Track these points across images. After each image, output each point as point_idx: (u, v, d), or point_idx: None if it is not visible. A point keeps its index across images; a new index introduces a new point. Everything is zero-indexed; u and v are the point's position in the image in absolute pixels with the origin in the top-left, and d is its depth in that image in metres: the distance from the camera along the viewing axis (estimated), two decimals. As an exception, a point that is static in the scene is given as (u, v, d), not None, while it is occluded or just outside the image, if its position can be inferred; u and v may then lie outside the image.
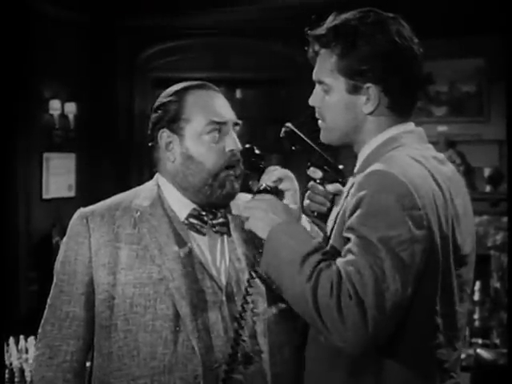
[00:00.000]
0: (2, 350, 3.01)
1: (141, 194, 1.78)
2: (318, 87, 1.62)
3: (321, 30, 1.58)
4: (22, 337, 3.15)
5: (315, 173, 1.78)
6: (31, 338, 3.07)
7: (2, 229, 5.24)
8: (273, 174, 1.67)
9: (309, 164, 1.79)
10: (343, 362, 1.50)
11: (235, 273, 1.75)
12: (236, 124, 1.77)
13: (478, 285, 5.03)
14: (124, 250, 1.69)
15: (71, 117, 6.05)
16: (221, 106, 1.75)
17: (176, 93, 1.76)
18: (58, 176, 6.03)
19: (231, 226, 1.78)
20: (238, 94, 6.96)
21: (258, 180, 1.67)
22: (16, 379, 3.03)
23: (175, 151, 1.74)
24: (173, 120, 1.73)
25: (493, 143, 5.65)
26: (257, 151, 1.72)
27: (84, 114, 6.18)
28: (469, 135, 5.76)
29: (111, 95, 6.41)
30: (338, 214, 1.57)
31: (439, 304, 1.48)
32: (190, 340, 1.64)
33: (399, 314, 1.41)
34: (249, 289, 1.66)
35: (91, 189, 6.04)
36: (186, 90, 1.76)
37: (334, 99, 1.58)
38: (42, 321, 1.75)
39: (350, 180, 1.61)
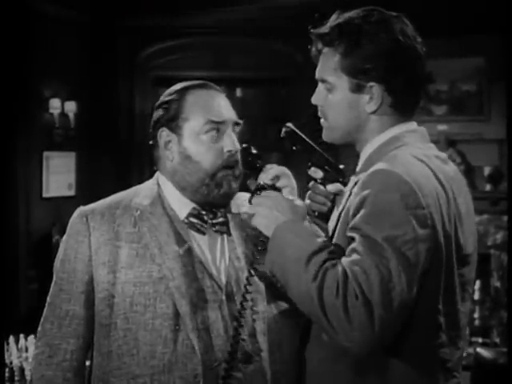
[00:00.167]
0: (2, 348, 3.01)
1: (141, 193, 1.78)
2: (320, 86, 1.62)
3: (324, 29, 1.58)
4: (22, 336, 3.15)
5: (316, 173, 1.78)
6: (31, 337, 3.07)
7: (2, 228, 5.25)
8: (270, 172, 1.67)
9: (309, 164, 1.79)
10: (348, 362, 1.50)
11: (235, 272, 1.75)
12: (236, 124, 1.77)
13: (478, 284, 5.02)
14: (124, 249, 1.69)
15: (71, 115, 6.05)
16: (220, 106, 1.74)
17: (177, 92, 1.76)
18: (58, 175, 6.03)
19: (231, 224, 1.78)
20: (238, 93, 6.96)
21: (256, 179, 1.67)
22: (16, 378, 3.03)
23: (174, 150, 1.74)
24: (172, 119, 1.73)
25: (493, 142, 5.66)
26: (253, 151, 1.72)
27: (84, 112, 6.17)
28: (469, 134, 5.76)
29: (111, 94, 6.41)
30: (340, 213, 1.57)
31: (442, 303, 1.48)
32: (190, 339, 1.64)
33: (405, 313, 1.41)
34: (248, 287, 1.67)
35: (91, 188, 6.04)
36: (186, 89, 1.76)
37: (337, 98, 1.58)
38: (42, 319, 1.75)
39: (353, 179, 1.61)
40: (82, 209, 1.76)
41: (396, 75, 1.54)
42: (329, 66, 1.58)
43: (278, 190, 1.66)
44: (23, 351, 3.10)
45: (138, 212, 1.73)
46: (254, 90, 7.07)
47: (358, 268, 1.38)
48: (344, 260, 1.42)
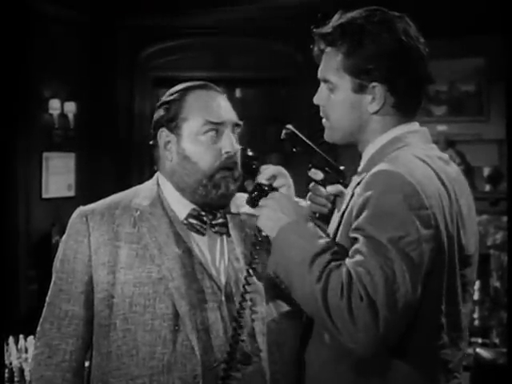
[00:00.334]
0: (2, 349, 3.00)
1: (140, 194, 1.78)
2: (323, 85, 1.62)
3: (327, 28, 1.58)
4: (21, 336, 3.14)
5: (316, 174, 1.78)
6: (31, 338, 3.07)
7: (2, 228, 5.24)
8: (266, 172, 1.67)
9: (310, 165, 1.78)
10: (350, 363, 1.50)
11: (234, 273, 1.75)
12: (236, 125, 1.76)
13: (477, 284, 5.02)
14: (124, 249, 1.69)
15: (71, 116, 6.04)
16: (220, 107, 1.74)
17: (177, 92, 1.76)
18: (58, 175, 6.02)
19: (230, 225, 1.78)
20: (238, 93, 6.96)
21: (253, 180, 1.68)
22: (15, 379, 3.03)
23: (173, 151, 1.74)
24: (172, 119, 1.73)
25: (492, 143, 5.65)
26: (250, 153, 1.72)
27: (84, 113, 6.17)
28: (468, 135, 5.76)
29: (111, 94, 6.41)
30: (343, 213, 1.57)
31: (444, 304, 1.48)
32: (190, 340, 1.64)
33: (409, 314, 1.41)
34: (246, 287, 1.67)
35: (91, 188, 6.04)
36: (187, 89, 1.76)
37: (340, 98, 1.58)
38: (41, 319, 1.75)
39: (355, 179, 1.61)
40: (81, 209, 1.76)
41: (399, 75, 1.54)
42: (331, 66, 1.58)
43: (275, 189, 1.66)
44: (23, 352, 3.10)
45: (138, 212, 1.73)
46: (254, 90, 7.07)
47: (363, 269, 1.37)
48: (348, 261, 1.42)
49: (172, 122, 1.73)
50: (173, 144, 1.74)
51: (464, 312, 1.54)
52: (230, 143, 1.72)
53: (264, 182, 1.66)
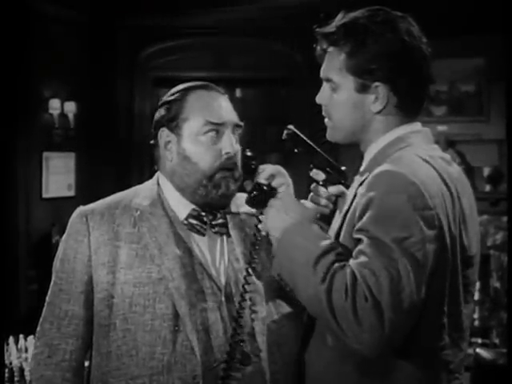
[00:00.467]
0: (2, 349, 3.00)
1: (140, 193, 1.78)
2: (325, 85, 1.61)
3: (330, 28, 1.58)
4: (21, 336, 3.14)
5: (317, 175, 1.78)
6: (31, 337, 3.07)
7: (2, 228, 5.24)
8: (265, 171, 1.67)
9: (311, 166, 1.78)
10: (355, 363, 1.50)
11: (234, 273, 1.74)
12: (237, 126, 1.76)
13: (477, 284, 5.01)
14: (124, 249, 1.69)
15: (71, 116, 6.04)
16: (221, 107, 1.74)
17: (178, 92, 1.76)
18: (58, 175, 6.02)
19: (229, 225, 1.78)
20: (238, 93, 6.96)
21: (252, 180, 1.68)
22: (16, 378, 3.03)
23: (173, 151, 1.74)
24: (172, 119, 1.73)
25: (492, 143, 5.65)
26: (248, 153, 1.72)
27: (84, 113, 6.17)
28: (468, 135, 5.76)
29: (111, 94, 6.41)
30: (345, 214, 1.57)
31: (446, 304, 1.48)
32: (189, 340, 1.64)
33: (415, 315, 1.40)
34: (246, 286, 1.67)
35: (91, 188, 6.04)
36: (188, 89, 1.76)
37: (342, 97, 1.58)
38: (41, 319, 1.75)
39: (357, 179, 1.61)
40: (81, 209, 1.76)
41: (402, 75, 1.54)
42: (334, 66, 1.58)
43: (274, 188, 1.66)
44: (23, 352, 3.10)
45: (138, 212, 1.73)
46: (254, 90, 7.07)
47: (367, 270, 1.37)
48: (352, 262, 1.41)
49: (173, 121, 1.73)
50: (173, 144, 1.74)
51: (465, 312, 1.54)
52: (230, 144, 1.71)
53: (263, 181, 1.66)
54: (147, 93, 6.55)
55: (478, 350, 4.14)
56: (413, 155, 1.51)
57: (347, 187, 1.73)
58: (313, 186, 1.79)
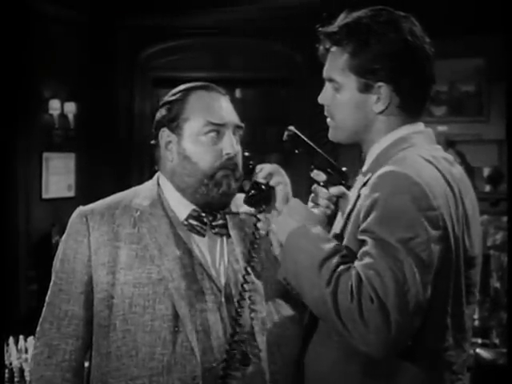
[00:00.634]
0: (2, 349, 3.00)
1: (140, 194, 1.78)
2: (328, 85, 1.61)
3: (333, 28, 1.58)
4: (21, 337, 3.14)
5: (318, 176, 1.77)
6: (31, 338, 3.07)
7: (2, 228, 5.24)
8: (262, 170, 1.68)
9: (312, 167, 1.78)
10: (360, 363, 1.49)
11: (234, 274, 1.74)
12: (238, 127, 1.76)
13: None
14: (123, 250, 1.69)
15: (71, 116, 6.04)
16: (222, 108, 1.74)
17: (180, 92, 1.76)
18: (58, 176, 6.02)
19: (229, 224, 1.78)
20: (238, 93, 6.96)
21: (250, 180, 1.68)
22: (16, 379, 3.03)
23: (173, 151, 1.74)
24: (173, 119, 1.73)
25: (492, 143, 5.65)
26: (245, 153, 1.73)
27: (84, 113, 6.17)
28: (468, 135, 5.76)
29: (111, 95, 6.40)
30: (349, 214, 1.56)
31: (450, 304, 1.48)
32: (189, 341, 1.64)
33: (421, 315, 1.40)
34: (245, 285, 1.67)
35: (91, 189, 6.03)
36: (189, 90, 1.76)
37: (345, 97, 1.58)
38: (41, 319, 1.75)
39: (360, 179, 1.61)
40: (81, 209, 1.76)
41: (404, 75, 1.54)
42: (337, 66, 1.58)
43: (272, 187, 1.67)
44: (23, 352, 3.10)
45: (138, 213, 1.73)
46: (254, 90, 7.07)
47: (372, 271, 1.37)
48: (357, 264, 1.41)
49: (173, 122, 1.73)
50: (174, 144, 1.74)
51: (468, 313, 1.54)
52: (231, 145, 1.71)
53: (261, 180, 1.67)
54: (147, 93, 6.55)
55: (478, 350, 4.14)
56: (416, 156, 1.51)
57: (348, 188, 1.73)
58: (314, 186, 1.79)
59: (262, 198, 1.67)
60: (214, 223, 1.75)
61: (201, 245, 1.74)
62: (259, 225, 1.68)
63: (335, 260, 1.43)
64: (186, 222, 1.74)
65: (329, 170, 1.77)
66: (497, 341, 4.80)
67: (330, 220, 1.75)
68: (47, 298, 1.76)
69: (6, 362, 3.05)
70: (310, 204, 1.79)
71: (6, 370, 3.02)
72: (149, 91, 6.56)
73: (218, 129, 1.71)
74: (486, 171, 5.61)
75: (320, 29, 1.60)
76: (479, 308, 5.04)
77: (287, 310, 1.76)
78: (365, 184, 1.53)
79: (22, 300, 5.65)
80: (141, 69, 6.53)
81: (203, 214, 1.75)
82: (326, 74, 1.61)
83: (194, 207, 1.75)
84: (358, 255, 1.43)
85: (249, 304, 1.71)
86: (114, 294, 1.68)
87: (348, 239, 1.53)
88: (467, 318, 1.54)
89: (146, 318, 1.65)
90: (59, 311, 1.72)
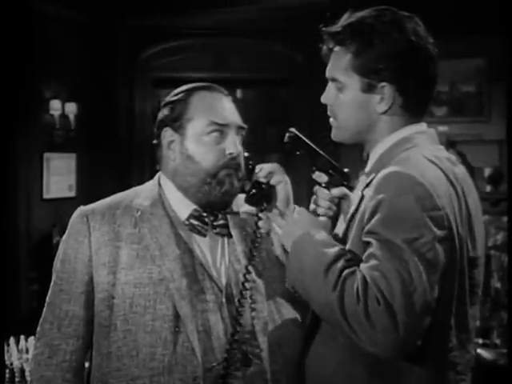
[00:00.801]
0: (3, 349, 3.01)
1: (141, 194, 1.78)
2: (331, 85, 1.61)
3: (336, 28, 1.58)
4: (22, 337, 3.14)
5: (320, 177, 1.77)
6: (32, 338, 3.07)
7: (3, 228, 5.24)
8: (262, 170, 1.68)
9: (314, 168, 1.78)
10: (365, 363, 1.49)
11: (235, 274, 1.74)
12: (241, 128, 1.76)
13: (478, 285, 5.00)
14: (124, 250, 1.69)
15: (72, 117, 6.05)
16: (224, 109, 1.74)
17: (182, 92, 1.77)
18: (59, 176, 6.02)
19: (230, 224, 1.78)
20: (238, 94, 6.96)
21: (250, 180, 1.69)
22: (16, 379, 3.03)
23: (176, 150, 1.74)
24: (176, 119, 1.74)
25: (493, 143, 5.65)
26: (245, 153, 1.73)
27: (84, 114, 6.17)
28: (469, 135, 5.76)
29: (112, 95, 6.41)
30: (352, 216, 1.56)
31: (454, 305, 1.48)
32: (190, 341, 1.63)
33: (429, 315, 1.39)
34: (246, 284, 1.67)
35: (92, 189, 6.03)
36: (192, 90, 1.77)
37: (348, 97, 1.57)
38: (41, 319, 1.75)
39: (363, 179, 1.60)
40: (82, 209, 1.76)
41: (408, 76, 1.54)
42: (340, 65, 1.57)
43: (273, 186, 1.67)
44: (24, 352, 3.10)
45: (139, 213, 1.73)
46: (254, 91, 7.07)
47: (378, 273, 1.37)
48: (362, 266, 1.41)
49: (176, 121, 1.74)
50: (176, 144, 1.74)
51: (471, 314, 1.54)
52: (233, 145, 1.72)
53: (261, 179, 1.67)
54: (147, 93, 6.56)
55: (478, 350, 4.14)
56: (419, 156, 1.50)
57: (350, 189, 1.73)
58: (316, 188, 1.79)
59: (263, 196, 1.67)
60: (215, 223, 1.75)
61: (202, 245, 1.74)
62: (260, 224, 1.69)
63: (340, 264, 1.43)
64: (187, 222, 1.74)
65: (330, 171, 1.76)
66: (497, 341, 4.79)
67: (332, 221, 1.75)
68: (48, 298, 1.76)
69: (7, 362, 3.05)
70: (312, 206, 1.79)
71: (7, 370, 3.02)
72: (149, 91, 6.56)
73: (222, 129, 1.72)
74: (487, 171, 5.61)
75: (323, 28, 1.60)
76: (480, 308, 5.04)
77: (288, 310, 1.76)
78: (368, 185, 1.53)
79: (23, 300, 5.65)
80: (141, 69, 6.53)
81: (204, 214, 1.75)
82: (329, 73, 1.61)
83: (195, 207, 1.75)
84: (364, 257, 1.42)
85: (250, 303, 1.71)
86: (114, 294, 1.68)
87: (352, 241, 1.53)
88: (471, 318, 1.54)
89: (147, 318, 1.65)
90: (60, 311, 1.72)
